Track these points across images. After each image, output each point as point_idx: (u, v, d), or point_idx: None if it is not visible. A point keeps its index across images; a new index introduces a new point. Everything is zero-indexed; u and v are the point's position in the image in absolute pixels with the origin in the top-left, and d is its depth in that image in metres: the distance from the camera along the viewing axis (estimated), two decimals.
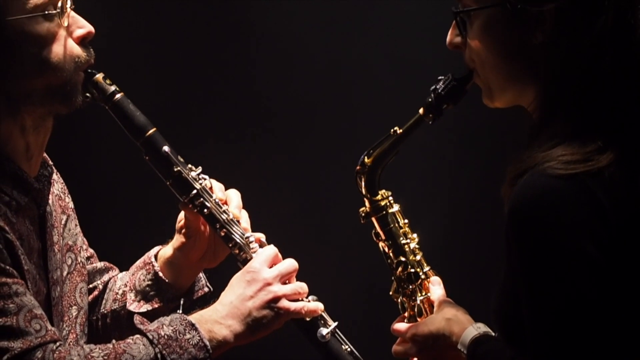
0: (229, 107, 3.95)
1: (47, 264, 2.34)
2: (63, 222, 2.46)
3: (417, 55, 3.80)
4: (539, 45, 1.96)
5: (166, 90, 3.89)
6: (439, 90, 2.23)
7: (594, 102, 1.92)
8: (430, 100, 2.25)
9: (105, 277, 2.65)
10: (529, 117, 2.05)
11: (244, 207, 2.51)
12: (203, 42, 3.91)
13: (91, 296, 2.60)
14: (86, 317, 2.49)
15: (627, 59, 1.91)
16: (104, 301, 2.61)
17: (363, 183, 2.37)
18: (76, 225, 2.54)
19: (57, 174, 2.52)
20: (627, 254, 1.84)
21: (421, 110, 2.27)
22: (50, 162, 2.44)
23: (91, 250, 2.65)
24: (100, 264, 2.66)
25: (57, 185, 2.50)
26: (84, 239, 2.59)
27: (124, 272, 2.65)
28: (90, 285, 2.60)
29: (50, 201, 2.40)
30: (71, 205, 2.54)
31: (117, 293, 2.59)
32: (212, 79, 3.93)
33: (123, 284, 2.59)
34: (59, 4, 2.26)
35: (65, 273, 2.43)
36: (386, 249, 2.40)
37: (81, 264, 2.50)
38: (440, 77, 2.24)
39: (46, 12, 2.24)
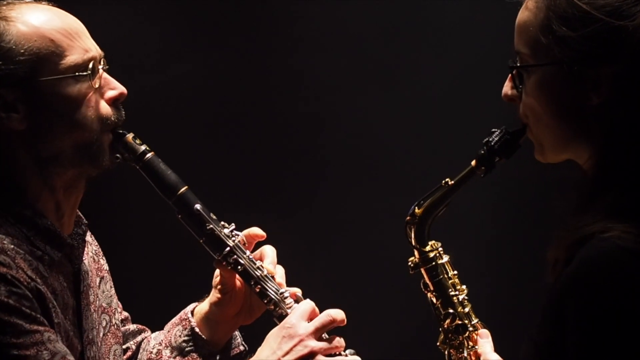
0: (263, 162, 3.96)
1: (82, 322, 2.35)
2: (98, 283, 2.47)
3: (470, 106, 3.81)
4: (594, 107, 1.94)
5: (197, 145, 3.93)
6: (492, 143, 2.22)
7: None
8: (482, 152, 2.24)
9: (138, 338, 2.66)
10: (580, 171, 2.04)
11: (280, 263, 2.51)
12: (238, 101, 3.95)
13: (124, 357, 2.61)
14: None
15: None
16: None
17: (413, 234, 2.37)
18: (111, 287, 2.56)
19: (91, 236, 2.54)
20: None
21: (473, 163, 2.27)
22: (85, 221, 2.45)
23: (125, 313, 2.66)
24: (133, 326, 2.67)
25: (92, 247, 2.51)
26: (119, 302, 2.61)
27: (157, 332, 2.65)
28: (124, 347, 2.61)
29: (86, 261, 2.41)
30: (106, 267, 2.56)
31: (151, 352, 2.59)
32: (245, 135, 3.95)
33: (157, 342, 2.59)
34: (91, 66, 2.28)
35: (101, 334, 2.44)
36: (434, 300, 2.39)
37: (115, 326, 2.51)
38: (493, 130, 2.24)
39: (77, 74, 2.26)
